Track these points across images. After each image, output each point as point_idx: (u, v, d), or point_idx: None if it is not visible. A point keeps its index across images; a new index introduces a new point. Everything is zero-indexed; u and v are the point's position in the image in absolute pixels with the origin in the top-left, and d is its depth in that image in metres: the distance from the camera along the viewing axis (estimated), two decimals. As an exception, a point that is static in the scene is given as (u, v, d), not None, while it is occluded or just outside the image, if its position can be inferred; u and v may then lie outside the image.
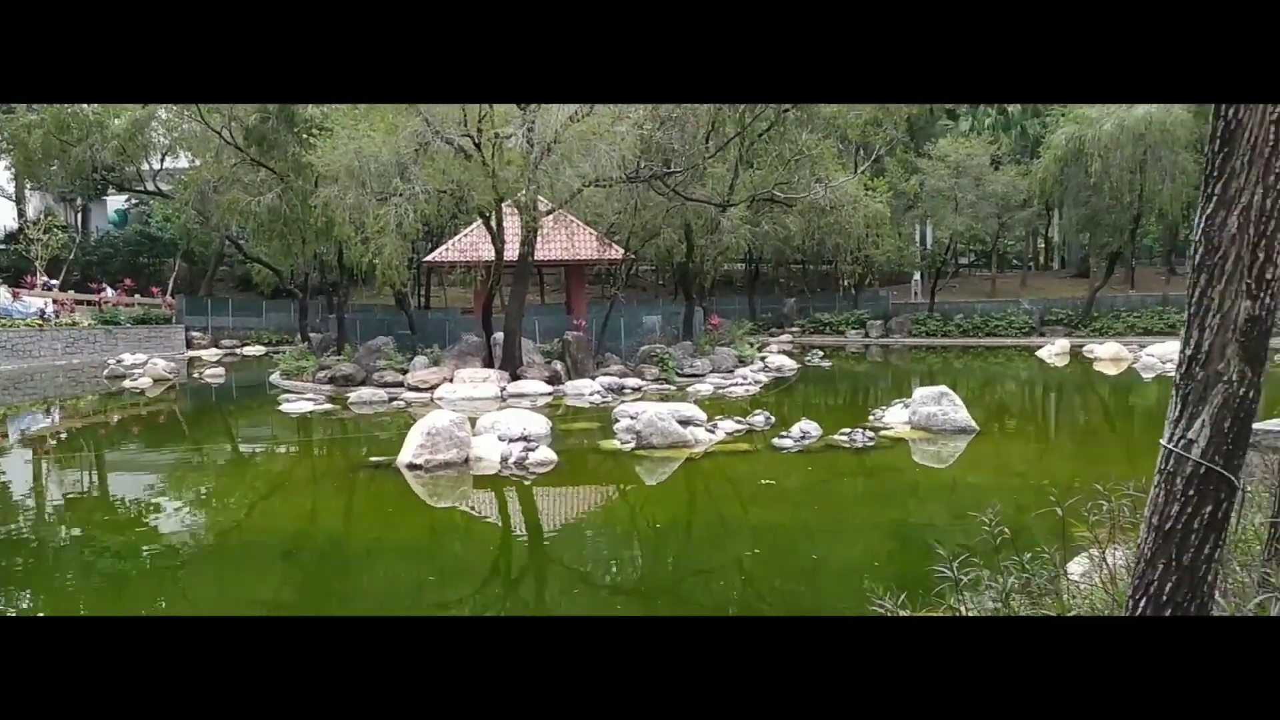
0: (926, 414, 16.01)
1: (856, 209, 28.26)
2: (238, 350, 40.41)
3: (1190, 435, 2.18)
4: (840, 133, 29.16)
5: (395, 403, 21.62)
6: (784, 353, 32.06)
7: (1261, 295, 2.13)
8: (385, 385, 22.94)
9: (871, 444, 14.99)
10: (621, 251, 27.52)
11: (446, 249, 29.01)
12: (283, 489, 13.72)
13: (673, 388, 23.48)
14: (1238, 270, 2.11)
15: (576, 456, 15.18)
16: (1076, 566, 5.72)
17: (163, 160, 39.72)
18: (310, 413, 20.44)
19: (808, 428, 15.51)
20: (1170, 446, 2.23)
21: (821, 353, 34.01)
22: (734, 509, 11.96)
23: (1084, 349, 32.36)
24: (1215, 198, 2.14)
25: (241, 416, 22.33)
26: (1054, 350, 32.41)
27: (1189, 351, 2.20)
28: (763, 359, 29.11)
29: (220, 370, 32.13)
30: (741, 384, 24.56)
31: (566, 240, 25.90)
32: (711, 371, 25.92)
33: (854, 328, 40.02)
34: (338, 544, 10.44)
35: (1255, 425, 8.64)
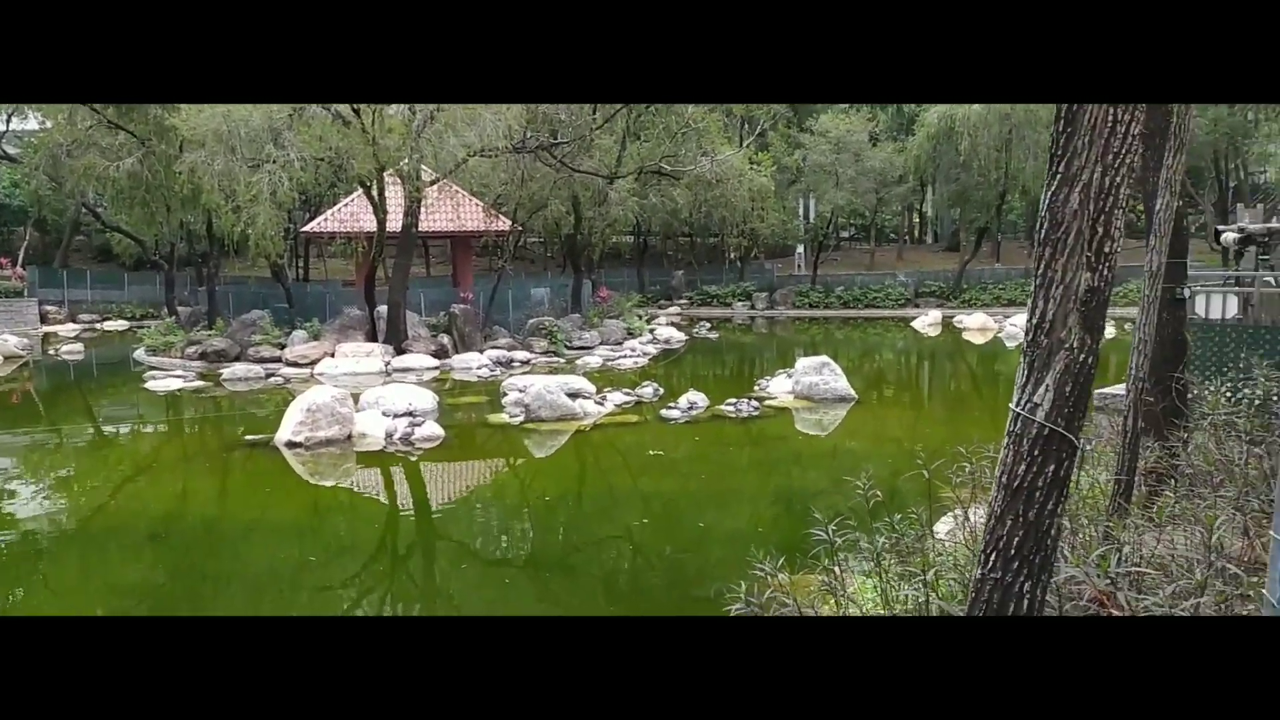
0: (809, 383, 16.51)
1: (742, 183, 28.69)
2: (98, 325, 37.98)
3: (1036, 399, 2.33)
4: (725, 107, 29.50)
5: (273, 379, 20.82)
6: (672, 325, 32.40)
7: (1100, 268, 2.29)
8: (261, 361, 22.04)
9: (756, 413, 15.37)
10: (509, 223, 27.17)
11: (325, 219, 27.97)
12: (150, 470, 13.05)
13: (562, 360, 23.44)
14: (1079, 244, 2.26)
15: (464, 431, 14.99)
16: (943, 525, 6.02)
17: (8, 122, 36.72)
18: (179, 390, 19.46)
19: (695, 399, 15.77)
20: (1018, 410, 2.38)
21: (709, 324, 34.55)
22: (623, 480, 12.07)
23: (954, 319, 33.95)
24: (1059, 175, 2.28)
25: (103, 395, 21.06)
26: (927, 321, 33.88)
27: (1035, 320, 2.35)
28: (651, 331, 29.35)
29: (79, 346, 30.16)
30: (630, 356, 24.72)
31: (452, 211, 25.36)
32: (600, 344, 25.98)
33: (740, 300, 40.78)
34: (212, 526, 10.02)
35: (1104, 390, 9.22)
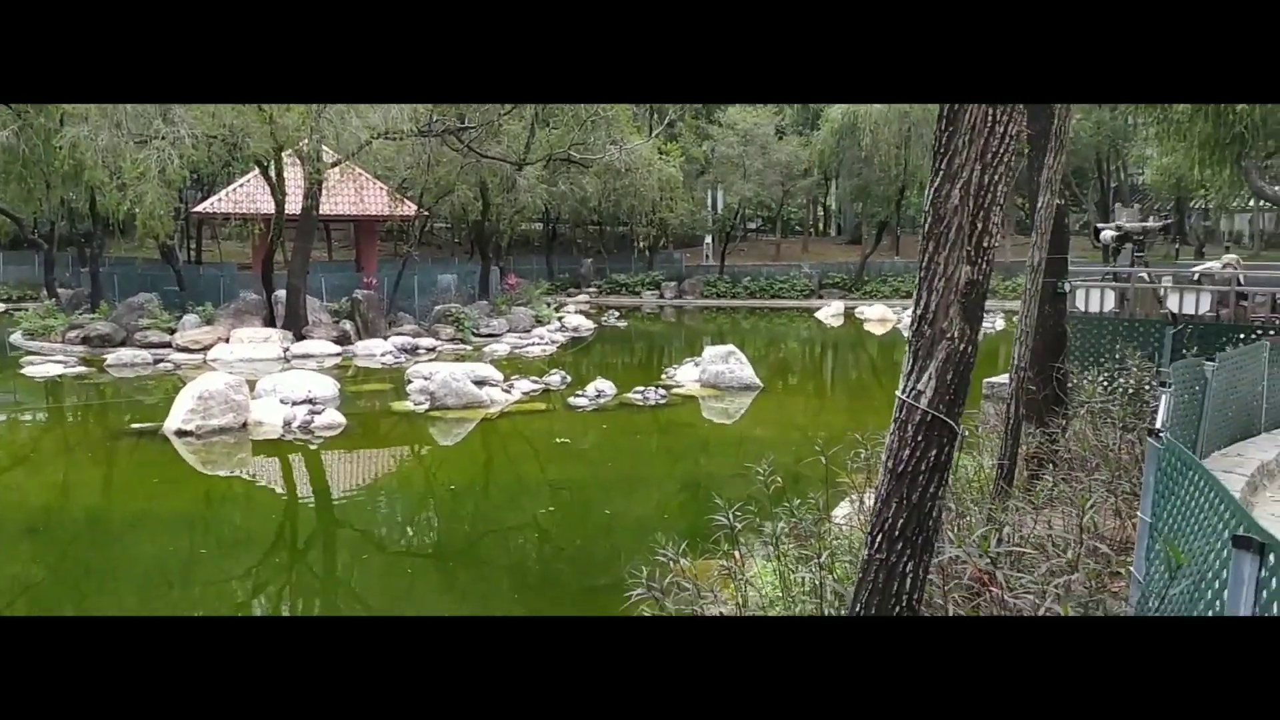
0: (715, 372, 16.74)
1: (651, 172, 28.75)
2: (-32, 308, 35.61)
3: (920, 387, 2.44)
4: (635, 95, 29.46)
5: (162, 365, 19.91)
6: (581, 313, 32.35)
7: (979, 261, 2.40)
8: (149, 346, 21.04)
9: (664, 401, 15.50)
10: (414, 208, 26.60)
11: (219, 199, 26.83)
12: (28, 460, 12.35)
13: (469, 348, 23.13)
14: (959, 238, 2.37)
15: (367, 419, 14.67)
16: (842, 510, 6.19)
17: None
18: (60, 376, 18.43)
19: (603, 387, 15.80)
20: (903, 397, 2.48)
21: (618, 313, 34.61)
22: (531, 468, 12.03)
23: (856, 311, 34.88)
24: (941, 173, 2.39)
25: (-26, 382, 19.79)
26: (830, 312, 34.72)
27: (919, 311, 2.46)
28: (560, 319, 29.23)
29: (-54, 330, 28.24)
30: (539, 344, 24.58)
31: (355, 194, 24.67)
32: (508, 331, 25.75)
33: (649, 289, 40.98)
34: (95, 518, 9.56)
35: (993, 379, 9.60)
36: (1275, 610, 2.01)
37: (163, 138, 17.92)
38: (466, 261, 34.54)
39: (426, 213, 27.96)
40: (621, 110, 26.66)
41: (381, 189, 26.36)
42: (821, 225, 55.71)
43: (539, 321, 27.73)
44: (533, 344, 24.43)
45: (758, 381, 16.74)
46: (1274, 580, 2.02)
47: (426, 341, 23.13)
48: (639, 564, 4.24)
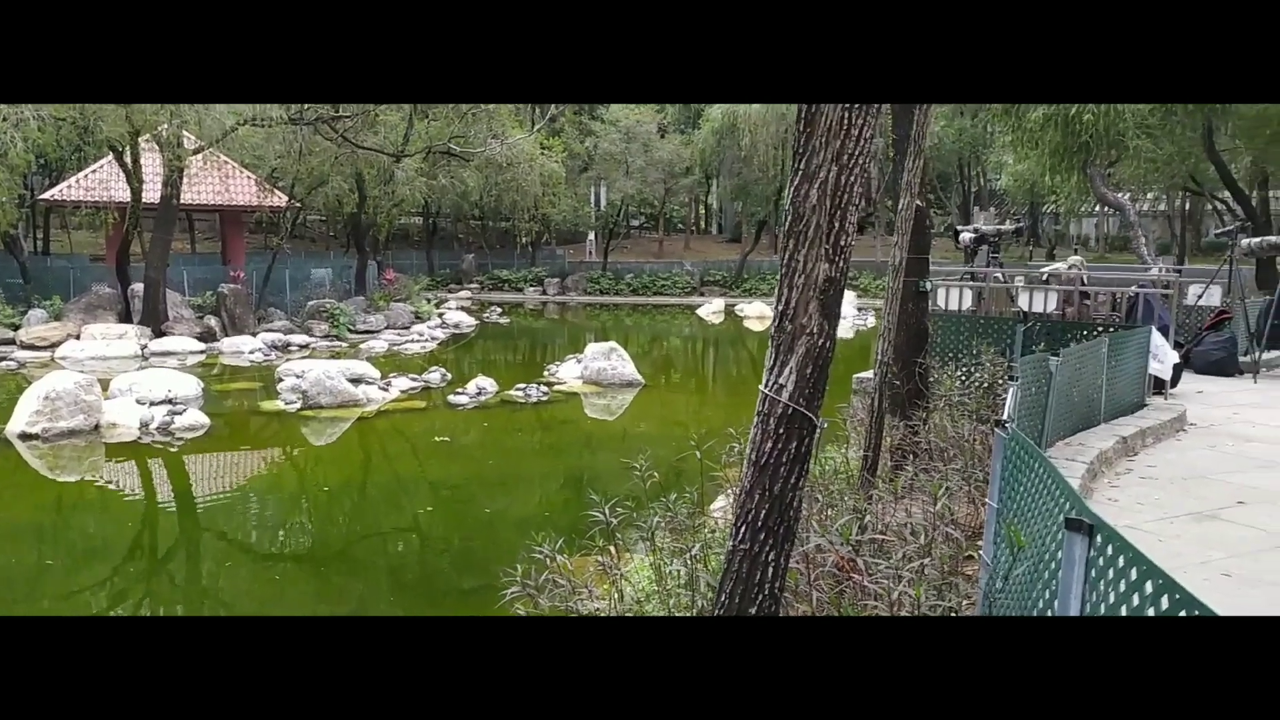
0: (597, 369, 16.78)
1: (533, 167, 28.55)
2: None
3: (781, 381, 2.52)
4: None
5: (3, 364, 18.50)
6: (463, 309, 31.83)
7: (837, 259, 2.50)
8: (-10, 344, 19.52)
9: (546, 398, 15.44)
10: (285, 199, 25.56)
11: (69, 186, 25.04)
12: None
13: (344, 345, 22.43)
14: (818, 237, 2.46)
15: (235, 419, 14.03)
16: (719, 503, 6.30)
17: None
18: (-117, 378, 16.88)
19: (484, 384, 15.61)
20: (766, 391, 2.56)
21: (500, 309, 34.22)
22: (409, 467, 11.77)
23: (736, 307, 35.61)
24: (800, 172, 2.47)
25: None
26: (711, 309, 35.33)
27: (780, 308, 2.54)
28: (440, 315, 28.69)
29: None
30: (418, 340, 24.05)
31: (220, 183, 23.49)
32: (387, 328, 25.10)
33: (532, 285, 40.69)
34: (-75, 532, 8.79)
35: (861, 374, 9.97)
36: (1102, 586, 2.17)
37: (4, 118, 16.63)
38: (342, 255, 33.43)
39: (298, 204, 26.91)
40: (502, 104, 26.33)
41: (250, 178, 25.21)
42: (703, 223, 56.60)
43: (418, 318, 27.15)
44: (412, 341, 23.89)
45: (640, 378, 16.88)
46: (1100, 559, 2.18)
47: (299, 338, 22.30)
48: (518, 562, 4.21)
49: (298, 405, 14.15)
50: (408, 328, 25.60)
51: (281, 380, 15.50)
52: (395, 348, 22.64)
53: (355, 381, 14.89)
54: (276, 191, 25.22)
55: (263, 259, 26.43)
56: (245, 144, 22.12)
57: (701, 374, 22.97)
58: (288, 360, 18.37)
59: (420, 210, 39.20)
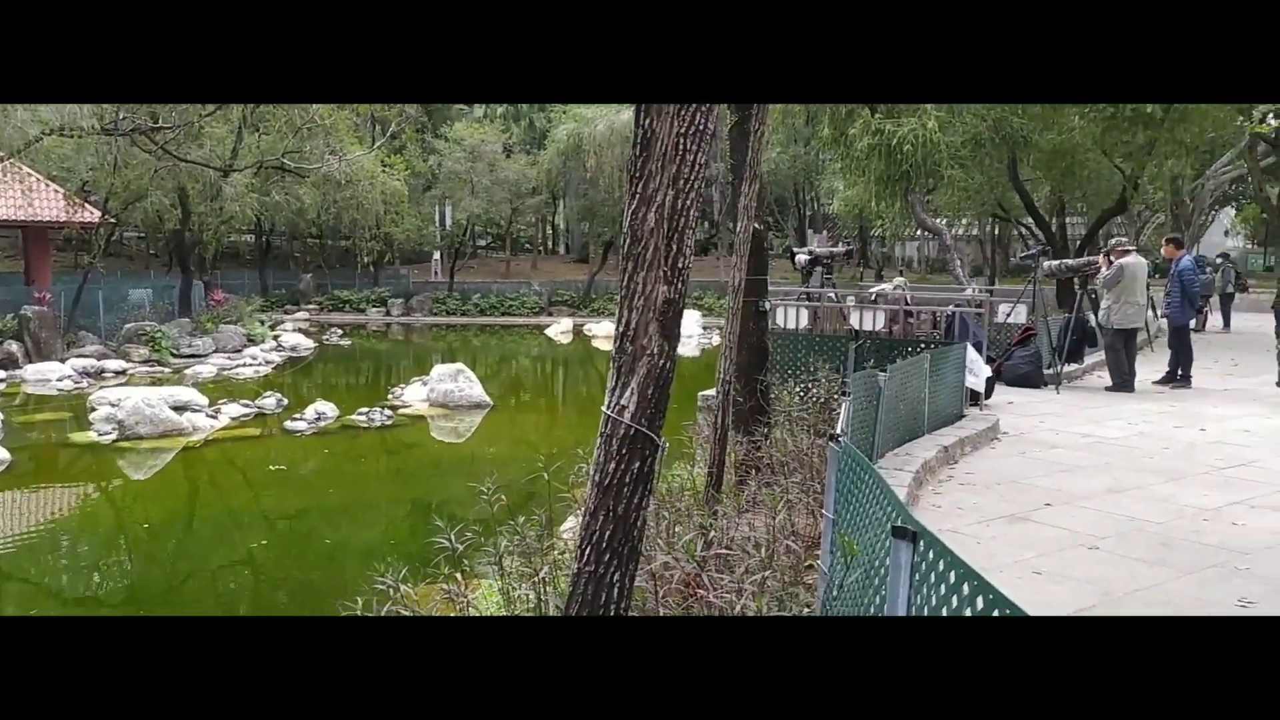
0: (444, 390, 16.43)
1: (374, 185, 27.75)
2: None
3: (623, 402, 2.55)
4: (353, 106, 28.30)
5: None
6: (300, 331, 30.43)
7: (675, 281, 2.56)
8: None
9: (390, 423, 14.97)
10: (98, 214, 23.69)
11: None
12: None
13: (168, 370, 20.97)
14: (656, 259, 2.51)
15: (41, 452, 12.85)
16: (569, 524, 6.28)
17: None
18: None
19: (324, 409, 14.97)
20: (608, 412, 2.58)
21: (341, 331, 32.94)
22: (243, 499, 11.12)
23: (585, 327, 35.77)
24: (638, 196, 2.52)
25: None
26: (560, 329, 35.32)
27: (621, 329, 2.57)
28: (276, 338, 27.31)
29: None
30: (251, 364, 22.80)
31: (22, 197, 21.54)
32: (215, 351, 23.65)
33: (375, 306, 39.40)
34: None
35: (704, 392, 10.21)
36: (925, 589, 2.30)
37: None
38: (164, 275, 31.32)
39: (113, 220, 25.01)
40: (340, 119, 25.48)
41: (57, 192, 23.24)
42: (550, 243, 56.63)
43: (251, 340, 25.74)
44: (244, 365, 22.62)
45: (488, 399, 16.64)
46: (923, 564, 2.31)
47: (115, 364, 20.69)
48: (359, 595, 4.05)
49: (113, 436, 13.11)
50: (239, 351, 24.23)
51: (94, 409, 14.33)
52: (225, 372, 21.36)
53: (180, 409, 13.95)
54: (88, 206, 23.35)
55: (73, 279, 24.39)
56: (52, 155, 20.43)
57: (551, 394, 22.91)
58: (102, 387, 16.99)
59: (252, 228, 37.26)
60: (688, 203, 2.53)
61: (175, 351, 22.48)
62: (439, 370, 16.94)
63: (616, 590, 2.56)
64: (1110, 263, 11.30)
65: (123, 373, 20.23)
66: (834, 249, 13.19)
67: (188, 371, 20.71)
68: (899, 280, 13.76)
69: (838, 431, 3.81)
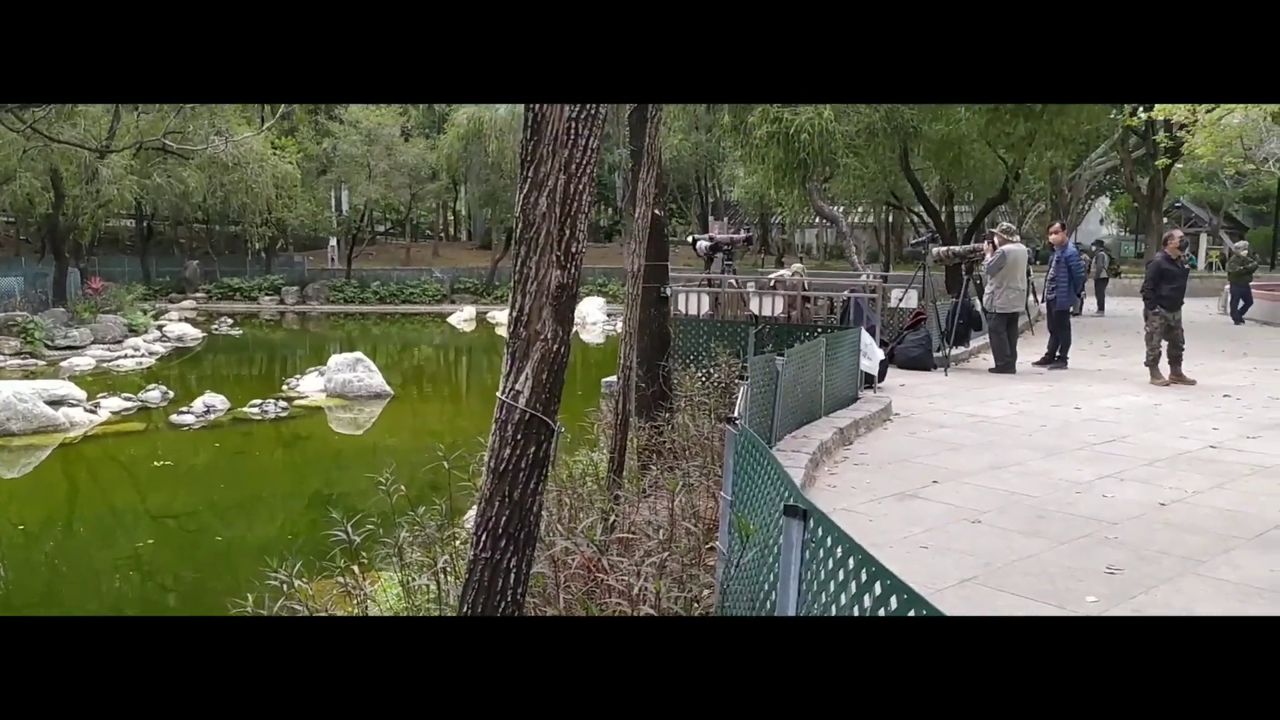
0: (342, 380, 16.00)
1: (265, 168, 26.73)
2: None
3: (518, 387, 2.54)
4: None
5: None
6: (187, 320, 29.12)
7: (569, 265, 2.56)
8: None
9: (286, 414, 14.51)
10: (-40, 197, 22.16)
11: None
12: None
13: (41, 363, 19.79)
14: (549, 244, 2.50)
15: (-104, 455, 11.95)
16: (471, 513, 6.20)
17: None
18: None
19: (213, 401, 14.39)
20: (503, 398, 2.57)
21: (231, 320, 31.66)
22: (126, 497, 10.61)
23: (488, 315, 35.35)
24: (529, 180, 2.51)
25: None
26: (463, 317, 34.80)
27: (514, 314, 2.56)
28: (160, 328, 26.07)
29: None
30: (133, 356, 21.71)
31: None
32: (93, 343, 22.45)
33: (268, 294, 37.97)
34: None
35: (607, 379, 10.26)
36: (814, 566, 2.38)
37: None
38: (37, 262, 29.48)
39: (-22, 204, 23.43)
40: (228, 99, 24.41)
41: (-89, 173, 21.63)
42: (452, 229, 55.68)
43: (133, 331, 24.52)
44: (125, 356, 21.53)
45: (389, 389, 16.29)
46: (813, 540, 2.38)
47: (-18, 357, 19.42)
48: (249, 591, 3.92)
49: (-19, 434, 12.31)
50: (120, 342, 23.04)
51: (-41, 406, 13.41)
52: (105, 364, 20.29)
53: (55, 404, 13.19)
54: (-53, 188, 21.81)
55: (-69, 266, 22.76)
56: (-95, 132, 18.96)
57: (454, 383, 22.58)
58: (-33, 383, 15.92)
59: (133, 212, 35.42)
60: (580, 187, 2.53)
61: (50, 343, 21.24)
62: (336, 360, 16.49)
63: (513, 576, 2.55)
64: (994, 249, 11.81)
65: (-10, 366, 19.00)
66: (735, 235, 13.38)
67: (64, 364, 19.58)
68: (797, 266, 14.08)
69: (735, 415, 3.88)
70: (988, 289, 11.81)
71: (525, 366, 2.54)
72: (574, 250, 2.57)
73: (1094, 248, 24.76)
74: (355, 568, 4.08)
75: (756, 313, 10.93)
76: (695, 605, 3.60)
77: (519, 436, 2.56)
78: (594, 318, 31.61)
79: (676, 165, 38.30)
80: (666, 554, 3.37)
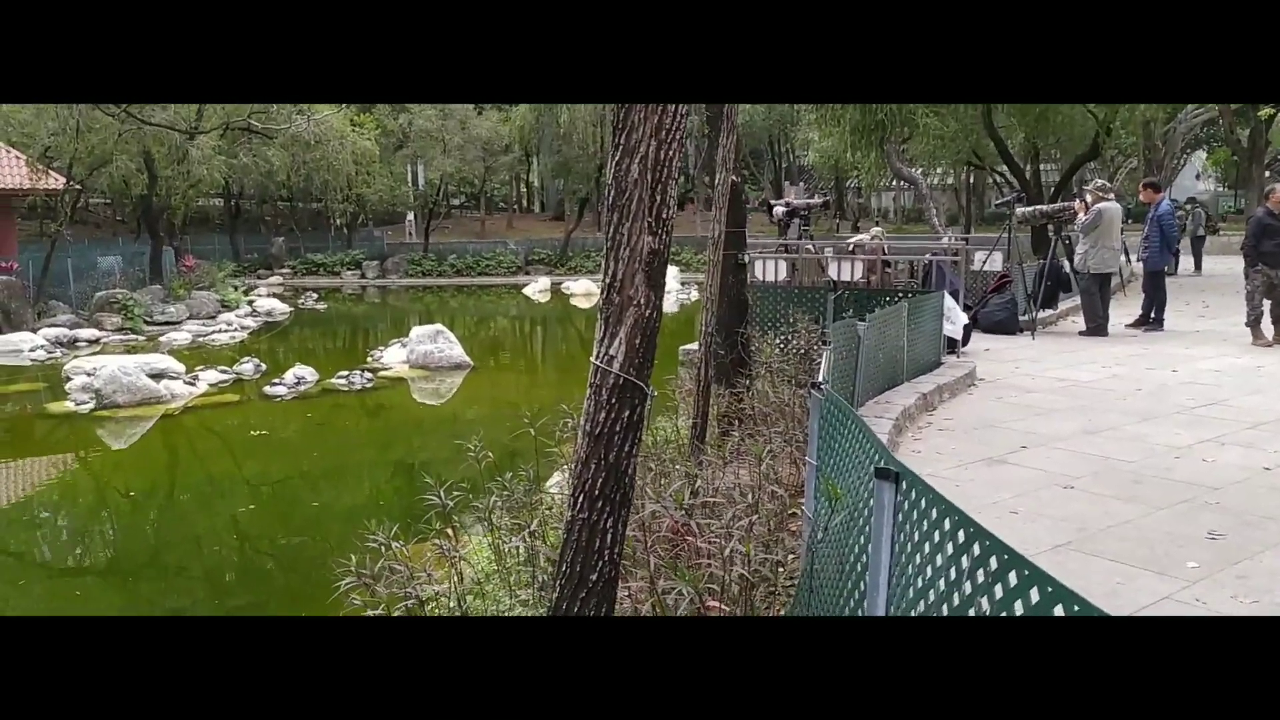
0: (424, 352, 16.39)
1: (344, 145, 27.33)
2: None
3: (611, 352, 2.58)
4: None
5: None
6: (274, 295, 30.14)
7: (659, 231, 2.58)
8: None
9: (371, 385, 14.94)
10: (63, 180, 23.22)
11: None
12: None
13: (141, 338, 20.75)
14: (640, 210, 2.53)
15: (16, 424, 12.75)
16: (556, 479, 6.36)
17: None
18: None
19: (303, 373, 14.91)
20: (597, 363, 2.62)
21: (316, 295, 32.65)
22: (225, 465, 11.10)
23: (562, 285, 35.66)
24: (621, 147, 2.53)
25: None
26: (537, 288, 35.18)
27: (607, 280, 2.60)
28: (250, 303, 27.06)
29: None
30: (226, 330, 22.62)
31: (-17, 164, 21.10)
32: (189, 318, 23.44)
33: (350, 268, 39.00)
34: None
35: (685, 346, 10.29)
36: (908, 528, 2.37)
37: None
38: (132, 242, 30.80)
39: (78, 186, 24.52)
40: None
41: (18, 158, 22.75)
42: (525, 201, 56.12)
43: (225, 306, 25.51)
44: (219, 331, 22.44)
45: (468, 360, 16.63)
46: (905, 502, 2.38)
47: (88, 333, 20.46)
48: (352, 553, 4.09)
49: (91, 405, 13.01)
50: (214, 317, 24.01)
51: (70, 379, 14.19)
52: (201, 339, 21.18)
53: (157, 377, 13.84)
54: (52, 173, 22.88)
55: (40, 248, 23.96)
56: (12, 121, 19.95)
57: (531, 353, 22.90)
58: (76, 357, 16.82)
59: (221, 191, 36.67)
60: (670, 153, 2.55)
61: (148, 319, 22.23)
62: (418, 331, 16.88)
63: (610, 536, 2.61)
64: (1087, 207, 11.39)
65: (96, 341, 20.02)
66: (810, 200, 13.18)
67: (162, 339, 20.52)
68: (876, 230, 13.80)
69: (819, 380, 3.87)
70: (1080, 248, 11.42)
71: (619, 331, 2.58)
72: (664, 216, 2.59)
73: (1188, 205, 23.63)
74: (449, 531, 4.22)
75: (835, 278, 10.78)
76: (780, 569, 3.62)
77: (613, 400, 2.60)
78: (669, 287, 31.57)
79: (750, 130, 37.79)
80: (754, 517, 3.39)
